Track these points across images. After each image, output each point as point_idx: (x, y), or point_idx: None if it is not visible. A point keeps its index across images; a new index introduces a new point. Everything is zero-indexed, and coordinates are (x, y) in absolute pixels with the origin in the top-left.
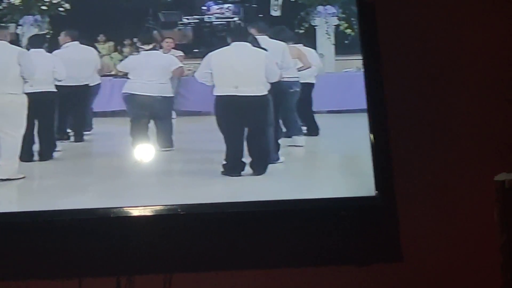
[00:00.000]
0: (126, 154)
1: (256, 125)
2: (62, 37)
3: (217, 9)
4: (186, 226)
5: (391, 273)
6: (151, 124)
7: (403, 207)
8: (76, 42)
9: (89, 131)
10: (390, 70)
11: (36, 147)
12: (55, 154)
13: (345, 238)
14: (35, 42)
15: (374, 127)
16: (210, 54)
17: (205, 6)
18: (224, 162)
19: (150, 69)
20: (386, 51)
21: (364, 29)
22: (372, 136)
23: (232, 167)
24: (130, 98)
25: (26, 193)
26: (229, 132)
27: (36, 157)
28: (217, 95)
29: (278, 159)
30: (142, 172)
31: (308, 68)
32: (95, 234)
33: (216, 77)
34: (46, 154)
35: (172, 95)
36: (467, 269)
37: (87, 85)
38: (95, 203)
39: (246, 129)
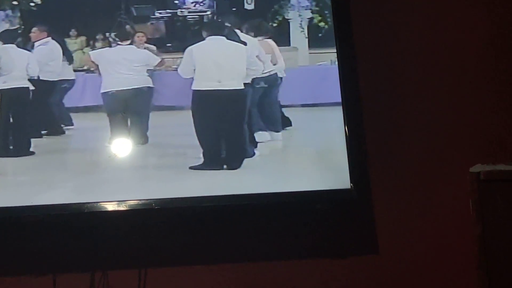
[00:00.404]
0: (100, 150)
1: (233, 119)
2: (37, 33)
3: (191, 3)
4: (161, 221)
5: (367, 266)
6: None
7: (379, 199)
8: (49, 38)
9: (70, 126)
10: (365, 63)
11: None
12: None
13: (321, 232)
14: (7, 37)
15: (349, 120)
16: (190, 48)
17: (177, 0)
18: (202, 158)
19: (127, 64)
20: (361, 43)
21: (338, 22)
22: (347, 128)
23: (212, 163)
24: (109, 96)
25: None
26: (208, 126)
27: (10, 153)
28: (197, 90)
29: (254, 153)
30: (117, 167)
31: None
32: (69, 229)
33: (198, 71)
34: (21, 149)
35: (151, 86)
36: (443, 261)
37: (62, 80)
38: (69, 198)
39: (222, 123)
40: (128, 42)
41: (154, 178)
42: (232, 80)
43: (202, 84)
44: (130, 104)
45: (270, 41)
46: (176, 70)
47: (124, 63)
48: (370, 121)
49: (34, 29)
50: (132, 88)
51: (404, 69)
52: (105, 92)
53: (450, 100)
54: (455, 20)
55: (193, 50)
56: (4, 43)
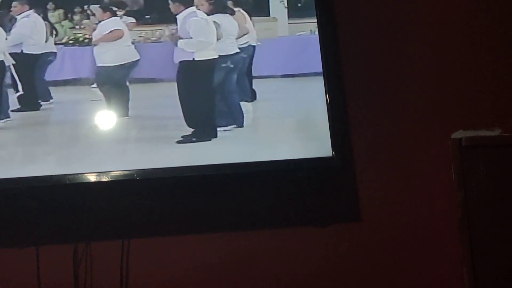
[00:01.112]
0: (81, 122)
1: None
2: (18, 6)
3: None
4: (143, 191)
5: (350, 233)
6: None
7: (361, 167)
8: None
9: (47, 101)
10: (345, 31)
11: None
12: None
13: (303, 200)
14: None
15: (330, 89)
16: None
17: None
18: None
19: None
20: (341, 11)
21: None
22: (327, 97)
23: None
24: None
25: None
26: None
27: None
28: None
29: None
30: (98, 140)
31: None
32: (50, 201)
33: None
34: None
35: (137, 59)
36: (426, 227)
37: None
38: (51, 171)
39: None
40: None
41: (135, 150)
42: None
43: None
44: (115, 76)
45: (242, 11)
46: (156, 42)
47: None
48: (351, 88)
49: (14, 3)
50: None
51: (385, 35)
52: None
53: (431, 66)
54: None
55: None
56: None
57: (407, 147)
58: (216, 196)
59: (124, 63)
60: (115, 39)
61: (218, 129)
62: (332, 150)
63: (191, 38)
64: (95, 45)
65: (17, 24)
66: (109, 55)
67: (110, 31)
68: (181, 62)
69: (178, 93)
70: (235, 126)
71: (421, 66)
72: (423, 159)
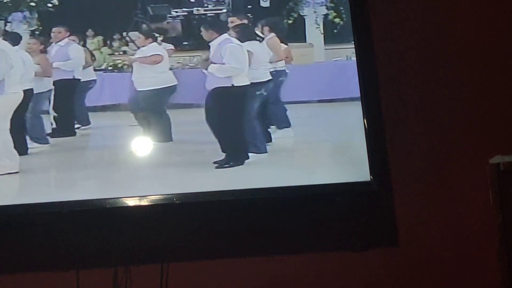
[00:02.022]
0: (121, 147)
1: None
2: (62, 32)
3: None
4: (182, 215)
5: (388, 258)
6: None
7: (398, 191)
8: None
9: (86, 126)
10: (383, 57)
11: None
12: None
13: (341, 224)
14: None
15: (368, 114)
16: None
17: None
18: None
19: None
20: (378, 37)
21: (356, 16)
22: (365, 122)
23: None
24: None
25: (21, 187)
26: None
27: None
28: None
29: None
30: (139, 165)
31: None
32: (91, 225)
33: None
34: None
35: (174, 84)
36: (463, 252)
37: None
38: (91, 196)
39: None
40: (151, 40)
41: (175, 174)
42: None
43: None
44: (153, 101)
45: (276, 38)
46: (193, 68)
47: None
48: (389, 113)
49: (54, 29)
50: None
51: (422, 59)
52: (139, 90)
53: (469, 91)
54: (475, 10)
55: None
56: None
57: (445, 172)
58: (254, 221)
59: (162, 87)
60: (155, 63)
61: (251, 154)
62: (370, 174)
63: (223, 64)
64: (131, 71)
65: (68, 50)
66: (147, 80)
67: (151, 55)
68: (216, 88)
69: (208, 119)
70: (263, 152)
71: (459, 90)
72: (461, 184)
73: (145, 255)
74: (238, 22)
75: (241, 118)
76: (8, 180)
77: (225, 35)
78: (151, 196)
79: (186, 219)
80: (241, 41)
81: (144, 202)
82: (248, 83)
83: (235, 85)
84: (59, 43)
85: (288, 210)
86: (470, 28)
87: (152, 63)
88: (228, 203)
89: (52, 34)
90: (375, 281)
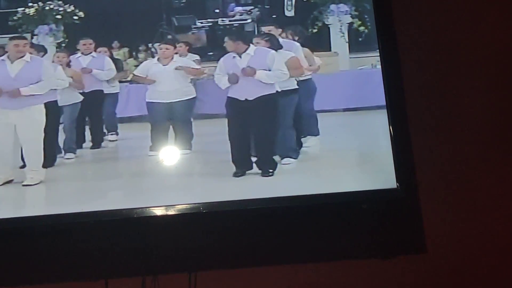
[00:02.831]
0: (145, 158)
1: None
2: (92, 44)
3: (230, 12)
4: (209, 224)
5: (416, 265)
6: (171, 128)
7: (426, 198)
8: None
9: (114, 135)
10: (408, 64)
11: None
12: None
13: (369, 232)
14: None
15: (394, 121)
16: None
17: (218, 9)
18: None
19: (171, 76)
20: (403, 45)
21: (380, 24)
22: (391, 129)
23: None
24: (152, 105)
25: (49, 197)
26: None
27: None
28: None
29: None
30: (162, 175)
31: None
32: (119, 235)
33: None
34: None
35: (194, 96)
36: (493, 258)
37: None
38: (117, 206)
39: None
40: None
41: (199, 184)
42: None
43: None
44: (175, 114)
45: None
46: None
47: (168, 75)
48: (415, 120)
49: (83, 41)
50: (177, 100)
51: (447, 65)
52: (149, 102)
53: (496, 95)
54: (501, 16)
55: None
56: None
57: (472, 177)
58: (281, 229)
59: (186, 99)
60: (196, 76)
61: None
62: (397, 181)
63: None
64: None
65: (104, 61)
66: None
67: (195, 68)
68: (261, 96)
69: (243, 128)
70: (294, 159)
71: (485, 96)
72: (489, 189)
73: (172, 264)
74: (274, 31)
75: (283, 124)
76: (35, 191)
77: (253, 46)
78: (178, 206)
79: (213, 228)
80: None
81: (171, 212)
82: (279, 90)
83: (279, 90)
84: (91, 54)
85: (314, 218)
86: (496, 33)
87: (193, 75)
88: (254, 211)
89: (82, 46)
90: (404, 287)
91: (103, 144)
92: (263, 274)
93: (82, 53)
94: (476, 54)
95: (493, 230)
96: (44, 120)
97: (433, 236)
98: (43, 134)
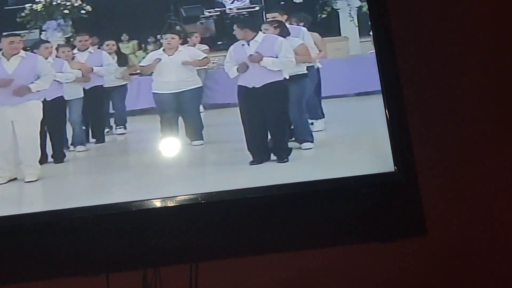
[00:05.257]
0: (157, 150)
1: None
2: (89, 40)
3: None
4: (208, 215)
5: (416, 248)
6: (180, 119)
7: (424, 180)
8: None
9: (124, 128)
10: (403, 47)
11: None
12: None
13: (368, 216)
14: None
15: (389, 103)
16: None
17: None
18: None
19: (176, 66)
20: (397, 28)
21: (374, 7)
22: (387, 112)
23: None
24: (159, 96)
25: (51, 193)
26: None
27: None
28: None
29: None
30: (173, 166)
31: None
32: (119, 228)
33: None
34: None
35: (200, 85)
36: (493, 240)
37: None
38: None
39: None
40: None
41: (210, 174)
42: None
43: None
44: (182, 105)
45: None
46: None
47: (174, 66)
48: (411, 103)
49: (80, 37)
50: (183, 90)
51: (445, 49)
52: (154, 93)
53: (492, 76)
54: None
55: None
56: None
57: (470, 159)
58: (281, 216)
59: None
60: (203, 66)
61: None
62: (394, 165)
63: (277, 57)
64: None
65: (102, 56)
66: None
67: (203, 58)
68: (268, 83)
69: (252, 116)
70: (312, 142)
71: (481, 76)
72: (488, 170)
73: (173, 255)
74: (280, 18)
75: (297, 109)
76: (34, 187)
77: (261, 33)
78: (176, 197)
79: (212, 218)
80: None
81: (170, 203)
82: (304, 71)
83: (286, 78)
84: (88, 50)
85: (313, 204)
86: (494, 18)
87: (201, 66)
88: (252, 200)
89: (78, 43)
90: (405, 270)
91: (111, 138)
92: (263, 262)
93: (79, 50)
94: (473, 35)
95: (493, 211)
96: (41, 115)
97: (433, 218)
98: (39, 129)
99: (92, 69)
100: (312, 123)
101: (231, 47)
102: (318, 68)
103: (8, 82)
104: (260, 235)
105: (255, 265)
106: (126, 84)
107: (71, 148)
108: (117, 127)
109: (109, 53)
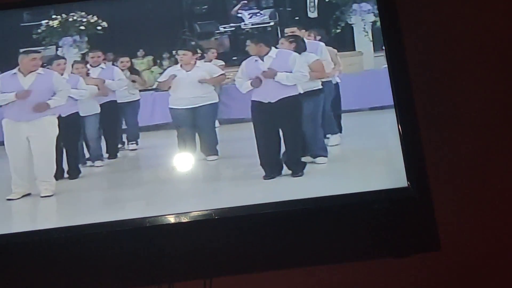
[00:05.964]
0: (171, 166)
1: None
2: (102, 57)
3: (248, 15)
4: (222, 230)
5: (430, 263)
6: (197, 134)
7: (438, 195)
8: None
9: (136, 144)
10: (415, 62)
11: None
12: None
13: (381, 232)
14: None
15: (402, 119)
16: None
17: (240, 13)
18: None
19: (193, 82)
20: (410, 43)
21: (386, 23)
22: (400, 127)
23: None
24: (175, 112)
25: (66, 209)
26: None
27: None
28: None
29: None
30: (188, 181)
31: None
32: (132, 244)
33: None
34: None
35: (216, 101)
36: (506, 256)
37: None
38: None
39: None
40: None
41: (226, 189)
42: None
43: None
44: (198, 120)
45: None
46: None
47: (191, 82)
48: (425, 118)
49: (90, 54)
50: (199, 105)
51: (457, 65)
52: (171, 108)
53: (507, 93)
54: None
55: None
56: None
57: (484, 173)
58: (294, 231)
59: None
60: (220, 82)
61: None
62: (408, 180)
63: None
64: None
65: (113, 72)
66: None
67: (219, 75)
68: (283, 98)
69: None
70: (326, 157)
71: (495, 91)
72: (502, 185)
73: (187, 271)
74: (298, 32)
75: (312, 124)
76: (49, 202)
77: (275, 49)
78: (190, 213)
79: (226, 234)
80: (298, 53)
81: (183, 219)
82: (319, 86)
83: (301, 92)
84: (100, 66)
85: (326, 220)
86: (506, 29)
87: (219, 83)
88: (266, 215)
89: (90, 59)
90: (419, 286)
91: (123, 154)
92: (278, 277)
93: (91, 65)
94: (487, 49)
95: (508, 227)
96: (57, 131)
97: (447, 233)
98: (54, 145)
99: (104, 81)
100: (328, 137)
101: (244, 63)
102: (337, 83)
103: (26, 94)
104: (274, 250)
105: (269, 280)
106: (139, 100)
107: (89, 163)
108: (129, 143)
109: (122, 70)
